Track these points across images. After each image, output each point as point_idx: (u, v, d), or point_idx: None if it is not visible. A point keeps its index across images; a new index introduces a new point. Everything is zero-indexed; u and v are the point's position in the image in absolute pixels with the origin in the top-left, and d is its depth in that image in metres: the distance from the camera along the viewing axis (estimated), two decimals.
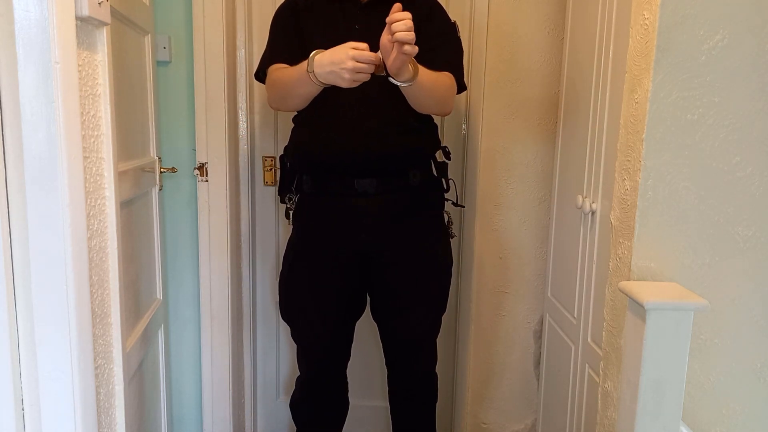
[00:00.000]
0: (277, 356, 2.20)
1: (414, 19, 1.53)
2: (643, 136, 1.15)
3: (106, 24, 1.11)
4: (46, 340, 0.96)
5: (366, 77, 1.28)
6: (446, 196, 1.68)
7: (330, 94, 1.37)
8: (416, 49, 1.24)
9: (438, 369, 1.75)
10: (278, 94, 1.52)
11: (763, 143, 1.16)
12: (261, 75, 1.60)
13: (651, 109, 1.14)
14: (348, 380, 1.78)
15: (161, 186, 1.77)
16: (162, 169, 1.79)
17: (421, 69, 1.39)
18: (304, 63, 1.35)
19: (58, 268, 0.95)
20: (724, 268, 1.20)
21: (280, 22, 1.59)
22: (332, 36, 1.50)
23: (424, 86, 1.40)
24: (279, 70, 1.50)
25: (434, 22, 1.56)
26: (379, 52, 1.27)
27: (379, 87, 1.39)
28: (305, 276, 1.61)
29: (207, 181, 1.90)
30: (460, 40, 1.61)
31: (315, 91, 1.40)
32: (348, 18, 1.53)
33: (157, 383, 1.74)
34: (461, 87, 1.58)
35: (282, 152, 1.69)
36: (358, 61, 1.26)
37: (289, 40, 1.55)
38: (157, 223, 1.71)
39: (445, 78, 1.50)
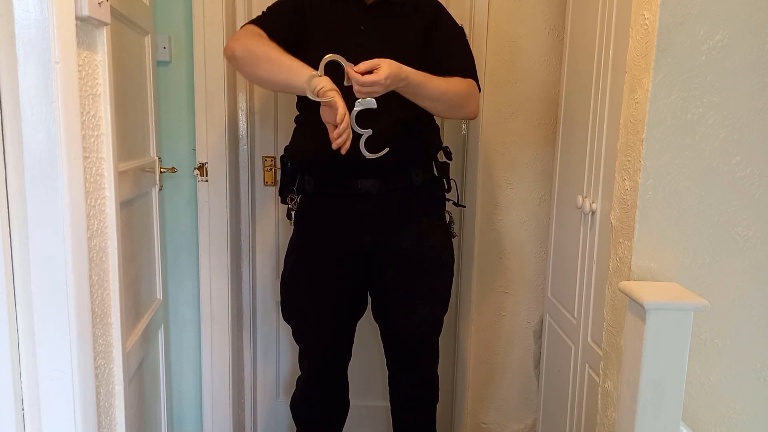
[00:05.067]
0: (277, 356, 2.20)
1: (421, 25, 1.54)
2: (643, 136, 1.15)
3: (106, 24, 1.11)
4: (46, 340, 0.96)
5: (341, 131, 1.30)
6: (447, 196, 1.68)
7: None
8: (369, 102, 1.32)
9: (438, 369, 1.75)
10: (256, 63, 1.43)
11: (763, 143, 1.16)
12: (250, 22, 1.53)
13: (651, 109, 1.14)
14: (348, 380, 1.78)
15: (161, 186, 1.77)
16: (162, 169, 1.79)
17: (426, 77, 1.41)
18: (304, 71, 1.34)
19: (58, 268, 0.95)
20: (724, 268, 1.20)
21: (283, 5, 1.55)
22: (335, 36, 1.50)
23: (427, 95, 1.44)
24: (265, 46, 1.43)
25: (442, 28, 1.56)
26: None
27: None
28: (306, 276, 1.61)
29: (207, 181, 1.90)
30: (468, 44, 1.62)
31: (291, 91, 1.42)
32: (352, 19, 1.53)
33: (157, 383, 1.74)
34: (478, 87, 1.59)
35: (282, 152, 1.69)
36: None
37: (288, 23, 1.51)
38: (157, 223, 1.71)
39: (459, 83, 1.50)
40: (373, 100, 1.33)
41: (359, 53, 1.35)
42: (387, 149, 1.37)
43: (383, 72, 1.30)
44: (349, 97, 1.33)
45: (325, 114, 1.33)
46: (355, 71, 1.29)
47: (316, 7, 1.56)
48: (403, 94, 1.41)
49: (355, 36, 1.49)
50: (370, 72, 1.31)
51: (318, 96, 1.29)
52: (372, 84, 1.29)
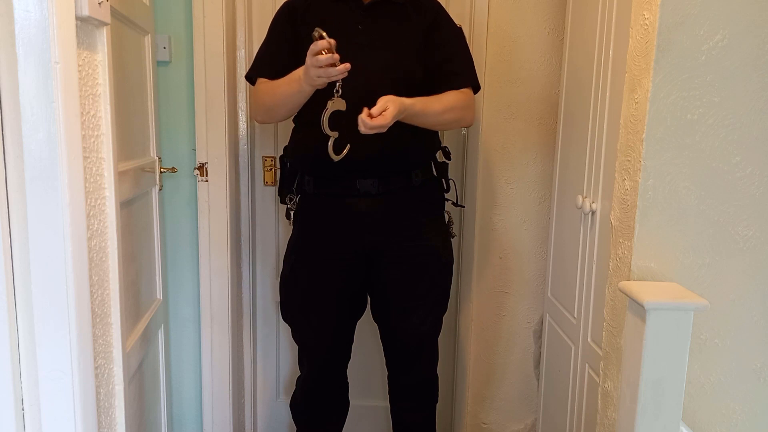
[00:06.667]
0: (277, 356, 2.20)
1: (421, 26, 1.54)
2: (643, 136, 1.15)
3: (106, 24, 1.11)
4: (46, 340, 0.96)
5: (332, 70, 1.30)
6: (446, 196, 1.68)
7: (331, 95, 1.38)
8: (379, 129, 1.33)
9: (438, 369, 1.75)
10: (266, 105, 1.55)
11: (763, 143, 1.16)
12: (251, 79, 1.62)
13: (651, 109, 1.14)
14: (348, 380, 1.78)
15: (161, 186, 1.77)
16: (162, 169, 1.79)
17: (423, 105, 1.44)
18: (295, 73, 1.41)
19: (58, 268, 0.95)
20: (724, 268, 1.20)
21: (276, 27, 1.60)
22: (333, 36, 1.50)
23: (426, 121, 1.48)
24: (265, 84, 1.54)
25: (442, 29, 1.57)
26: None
27: (380, 88, 1.39)
28: (306, 276, 1.61)
29: (207, 181, 1.90)
30: (467, 44, 1.63)
31: (303, 97, 1.46)
32: (351, 18, 1.53)
33: (157, 383, 1.74)
34: (476, 89, 1.61)
35: (282, 152, 1.69)
36: (315, 56, 1.30)
37: (280, 51, 1.56)
38: (157, 223, 1.71)
39: (455, 99, 1.52)
40: (343, 102, 1.38)
41: (358, 54, 1.35)
42: (348, 146, 1.39)
43: (390, 114, 1.33)
44: (324, 97, 1.38)
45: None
46: (366, 114, 1.32)
47: (315, 7, 1.56)
48: (403, 121, 1.43)
49: (354, 36, 1.49)
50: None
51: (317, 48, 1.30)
52: (380, 127, 1.33)
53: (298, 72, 1.40)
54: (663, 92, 1.13)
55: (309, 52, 1.31)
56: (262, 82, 1.56)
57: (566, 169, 1.75)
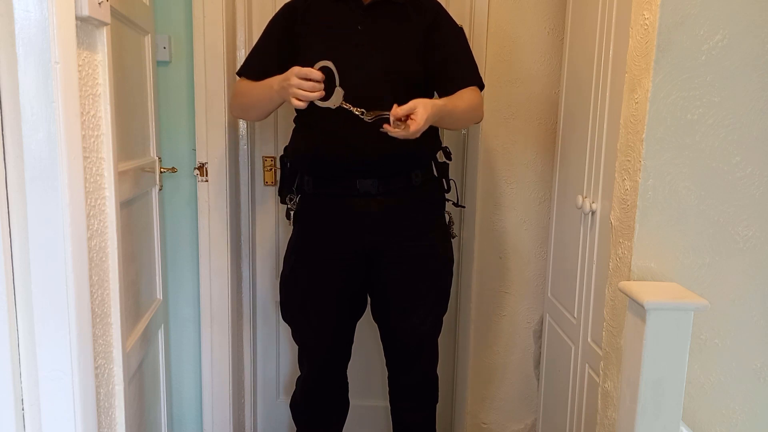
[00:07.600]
0: (277, 356, 2.20)
1: (421, 26, 1.55)
2: (643, 136, 1.15)
3: (106, 24, 1.11)
4: (46, 340, 0.96)
5: (312, 95, 1.32)
6: (447, 196, 1.68)
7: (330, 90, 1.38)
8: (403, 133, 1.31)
9: (438, 369, 1.75)
10: (242, 104, 1.59)
11: (763, 143, 1.16)
12: (238, 73, 1.64)
13: (651, 109, 1.14)
14: (348, 380, 1.78)
15: (161, 186, 1.77)
16: (162, 169, 1.79)
17: (451, 105, 1.44)
18: (271, 80, 1.44)
19: (58, 268, 0.95)
20: (724, 268, 1.20)
21: (272, 29, 1.60)
22: (333, 36, 1.50)
23: (452, 122, 1.50)
24: (245, 84, 1.56)
25: (442, 29, 1.57)
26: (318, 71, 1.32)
27: (379, 88, 1.39)
28: (306, 276, 1.61)
29: (207, 181, 1.90)
30: (468, 44, 1.63)
31: (273, 106, 1.51)
32: (350, 19, 1.53)
33: (157, 383, 1.74)
34: (481, 87, 1.61)
35: (282, 152, 1.69)
36: (302, 79, 1.31)
37: (280, 51, 1.56)
38: (157, 223, 1.71)
39: (471, 97, 1.52)
40: (341, 91, 1.36)
41: (356, 54, 1.35)
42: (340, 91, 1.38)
43: (421, 119, 1.30)
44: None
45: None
46: (394, 115, 1.29)
47: (315, 7, 1.56)
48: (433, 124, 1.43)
49: (353, 36, 1.49)
50: (406, 117, 1.31)
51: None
52: (414, 134, 1.31)
53: (274, 80, 1.42)
54: (663, 92, 1.13)
55: (297, 74, 1.31)
56: (243, 81, 1.57)
57: (566, 169, 1.75)
